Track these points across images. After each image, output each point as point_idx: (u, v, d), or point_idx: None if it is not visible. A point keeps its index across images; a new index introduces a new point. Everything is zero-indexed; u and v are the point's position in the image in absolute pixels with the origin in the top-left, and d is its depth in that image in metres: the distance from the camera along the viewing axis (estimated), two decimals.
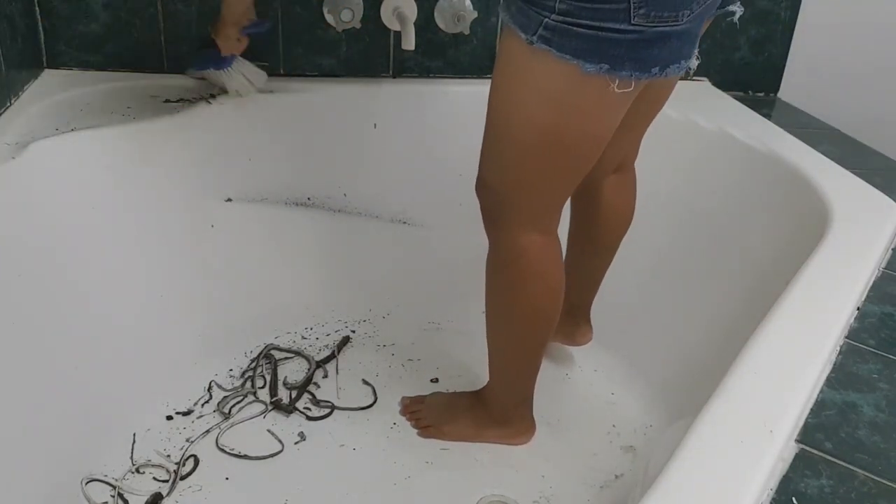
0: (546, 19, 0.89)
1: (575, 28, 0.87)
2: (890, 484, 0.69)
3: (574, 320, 1.39)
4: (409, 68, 1.62)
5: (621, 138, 1.13)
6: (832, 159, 1.33)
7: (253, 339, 1.49)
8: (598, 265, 1.35)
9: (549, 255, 1.12)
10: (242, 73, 1.47)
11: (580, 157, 1.02)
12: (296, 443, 1.29)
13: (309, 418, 1.34)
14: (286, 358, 1.47)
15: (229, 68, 1.46)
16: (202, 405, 1.34)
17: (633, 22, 0.86)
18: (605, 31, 0.87)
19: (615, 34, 0.87)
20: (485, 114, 1.64)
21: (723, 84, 1.74)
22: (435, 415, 1.33)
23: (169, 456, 1.23)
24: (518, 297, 1.14)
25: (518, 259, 1.10)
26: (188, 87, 1.51)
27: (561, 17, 0.88)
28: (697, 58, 0.95)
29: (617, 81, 0.91)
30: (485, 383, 1.31)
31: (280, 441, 1.28)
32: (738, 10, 1.04)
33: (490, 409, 1.29)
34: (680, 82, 1.13)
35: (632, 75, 0.90)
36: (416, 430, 1.32)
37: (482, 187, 1.11)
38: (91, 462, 1.18)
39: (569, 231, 1.30)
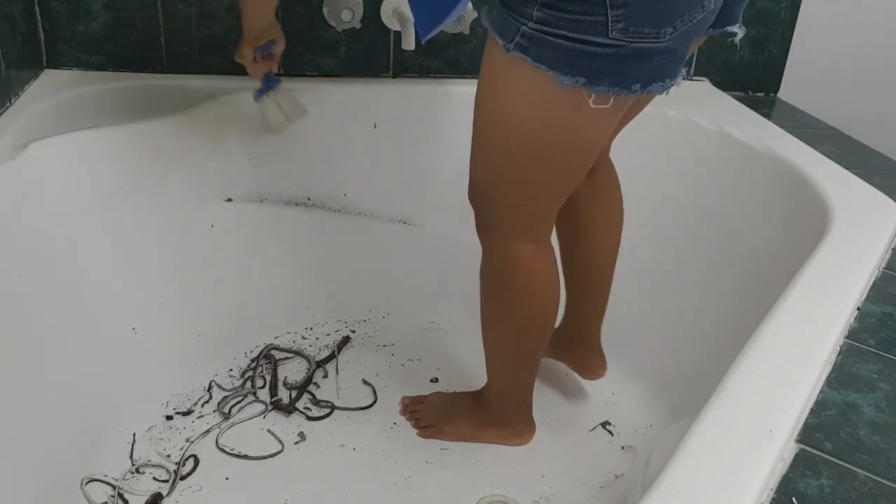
0: (524, 27, 0.86)
1: (550, 38, 0.85)
2: (890, 484, 0.69)
3: (585, 351, 1.34)
4: (409, 68, 1.62)
5: None
6: (832, 159, 1.33)
7: (253, 339, 1.49)
8: (594, 285, 1.29)
9: (540, 264, 1.10)
10: (279, 105, 1.40)
11: (564, 168, 1.00)
12: (296, 443, 1.29)
13: (309, 418, 1.34)
14: (286, 358, 1.47)
15: (265, 97, 1.39)
16: (202, 405, 1.34)
17: (610, 35, 0.83)
18: (582, 44, 0.84)
19: (592, 47, 0.84)
20: None
21: (723, 84, 1.74)
22: (435, 415, 1.33)
23: (169, 456, 1.23)
24: (510, 305, 1.13)
25: (509, 268, 1.10)
26: (190, 88, 1.50)
27: (538, 26, 0.85)
28: (684, 77, 0.92)
29: (593, 96, 0.88)
30: (485, 383, 1.31)
31: (280, 441, 1.28)
32: (739, 31, 1.00)
33: (489, 411, 1.29)
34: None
35: (610, 90, 0.87)
36: (415, 430, 1.33)
37: (473, 192, 1.10)
38: (91, 462, 1.18)
39: (560, 252, 1.26)
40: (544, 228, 1.10)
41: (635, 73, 0.86)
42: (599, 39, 0.83)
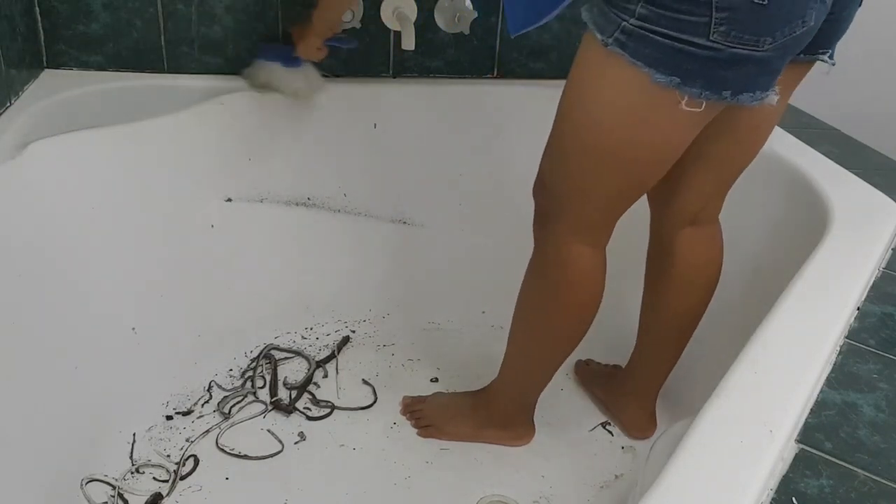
0: (624, 23, 0.87)
1: (651, 35, 0.85)
2: (890, 484, 0.69)
3: (638, 405, 1.32)
4: (409, 68, 1.62)
5: (700, 182, 1.10)
6: (832, 159, 1.33)
7: (253, 339, 1.49)
8: (670, 339, 1.25)
9: (593, 269, 1.09)
10: (306, 76, 1.47)
11: (640, 171, 0.99)
12: (296, 443, 1.29)
13: (309, 418, 1.34)
14: (286, 358, 1.47)
15: (297, 69, 1.45)
16: (202, 405, 1.34)
17: (711, 38, 0.83)
18: (682, 43, 0.84)
19: (691, 47, 0.84)
20: (484, 114, 1.64)
21: None
22: (435, 414, 1.33)
23: (169, 456, 1.23)
24: (553, 304, 1.12)
25: (562, 267, 1.08)
26: (190, 88, 1.50)
27: (639, 23, 0.86)
28: (776, 93, 0.91)
29: (686, 98, 0.88)
30: (485, 383, 1.31)
31: (280, 441, 1.28)
32: (829, 63, 0.99)
33: (492, 411, 1.29)
34: None
35: (702, 94, 0.87)
36: (415, 430, 1.33)
37: (540, 187, 1.09)
38: (91, 462, 1.18)
39: (642, 298, 1.25)
40: (604, 233, 1.08)
41: (728, 79, 0.87)
42: (699, 41, 0.84)
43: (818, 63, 1.00)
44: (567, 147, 1.01)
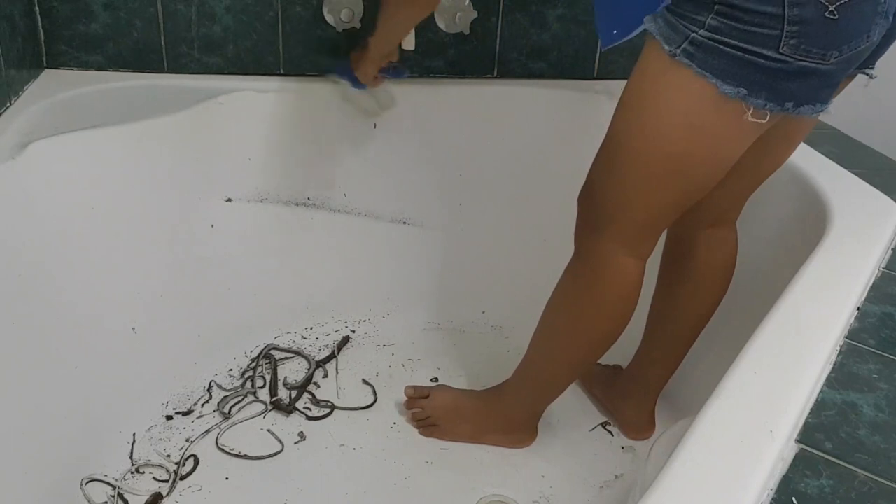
0: (694, 34, 0.87)
1: (721, 46, 0.86)
2: (890, 484, 0.69)
3: (639, 406, 1.33)
4: (409, 68, 1.61)
5: (730, 185, 1.09)
6: (832, 159, 1.33)
7: (253, 339, 1.49)
8: (679, 341, 1.26)
9: (633, 281, 1.08)
10: (373, 95, 1.50)
11: (695, 181, 0.99)
12: (296, 443, 1.29)
13: (309, 418, 1.34)
14: (286, 358, 1.47)
15: (365, 90, 1.49)
16: (202, 405, 1.34)
17: (781, 50, 0.84)
18: (751, 55, 0.85)
19: (760, 59, 0.85)
20: (484, 114, 1.64)
21: None
22: (437, 414, 1.32)
23: (169, 456, 1.23)
24: (587, 313, 1.11)
25: (603, 277, 1.07)
26: (190, 88, 1.50)
27: (709, 34, 0.86)
28: (831, 104, 0.92)
29: (751, 109, 0.88)
30: (485, 383, 1.31)
31: (280, 441, 1.29)
32: (872, 77, 1.00)
33: (497, 415, 1.29)
34: None
35: (766, 105, 0.88)
36: (416, 428, 1.32)
37: (588, 195, 1.08)
38: (91, 462, 1.18)
39: (653, 299, 1.25)
40: (649, 245, 1.07)
41: (791, 91, 0.87)
42: (769, 53, 0.84)
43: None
44: (623, 155, 1.00)
